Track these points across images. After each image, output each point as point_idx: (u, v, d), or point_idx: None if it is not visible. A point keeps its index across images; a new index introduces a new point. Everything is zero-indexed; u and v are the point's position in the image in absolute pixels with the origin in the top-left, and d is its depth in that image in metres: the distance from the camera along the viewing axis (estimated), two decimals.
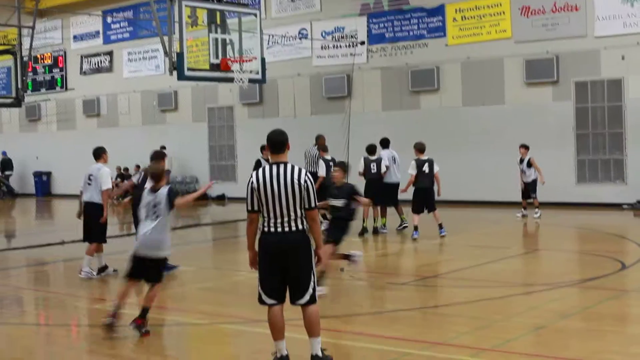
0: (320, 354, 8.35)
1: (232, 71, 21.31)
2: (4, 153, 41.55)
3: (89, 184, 15.22)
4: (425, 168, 19.79)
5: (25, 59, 25.67)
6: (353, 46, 30.77)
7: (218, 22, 21.88)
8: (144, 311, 10.26)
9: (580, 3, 26.00)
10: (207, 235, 23.46)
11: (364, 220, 20.47)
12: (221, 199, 34.76)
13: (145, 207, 10.54)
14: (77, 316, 12.20)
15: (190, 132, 35.80)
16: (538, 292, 12.36)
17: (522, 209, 23.50)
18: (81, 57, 40.29)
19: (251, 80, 22.03)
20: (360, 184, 21.10)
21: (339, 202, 12.73)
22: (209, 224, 26.17)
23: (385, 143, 21.72)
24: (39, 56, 41.15)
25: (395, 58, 30.06)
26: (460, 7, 28.55)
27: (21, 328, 11.39)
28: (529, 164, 23.23)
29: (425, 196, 19.60)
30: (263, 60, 22.59)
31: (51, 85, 41.46)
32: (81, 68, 40.32)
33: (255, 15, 22.59)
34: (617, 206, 24.53)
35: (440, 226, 19.47)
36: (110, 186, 15.15)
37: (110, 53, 39.06)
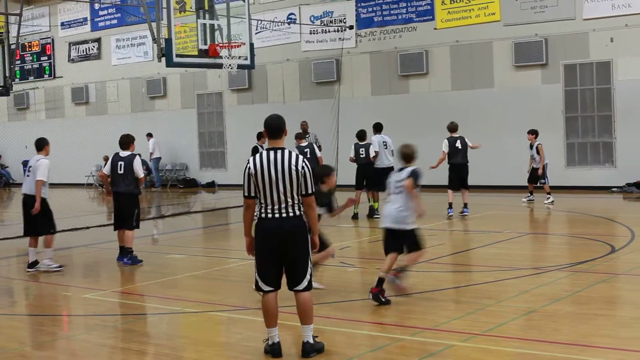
0: (312, 341, 8.35)
1: (221, 57, 21.31)
2: None
3: (28, 175, 14.93)
4: (458, 144, 20.81)
5: (13, 47, 25.64)
6: (342, 31, 30.74)
7: (206, 7, 21.86)
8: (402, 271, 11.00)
9: None
10: (198, 223, 23.46)
11: (355, 206, 20.54)
12: (211, 186, 34.71)
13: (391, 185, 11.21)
14: (68, 306, 12.18)
15: (180, 118, 35.71)
16: (528, 276, 12.38)
17: (529, 194, 23.44)
18: (69, 44, 40.17)
19: (240, 66, 22.03)
20: (352, 169, 21.26)
21: (321, 210, 11.67)
22: (199, 211, 26.15)
23: (378, 128, 21.68)
24: (26, 44, 41.04)
25: (384, 42, 30.02)
26: None
27: (12, 318, 11.38)
28: (538, 150, 23.06)
29: (460, 171, 20.80)
30: (252, 45, 22.57)
31: (39, 73, 41.34)
32: (69, 56, 40.20)
33: (244, 0, 22.53)
34: (606, 189, 24.60)
35: (465, 205, 20.48)
36: (44, 178, 14.52)
37: (98, 40, 38.94)
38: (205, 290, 12.58)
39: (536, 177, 23.21)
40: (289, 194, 8.24)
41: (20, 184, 17.19)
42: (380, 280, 10.62)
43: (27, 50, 41.48)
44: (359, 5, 30.63)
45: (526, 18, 26.96)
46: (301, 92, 31.81)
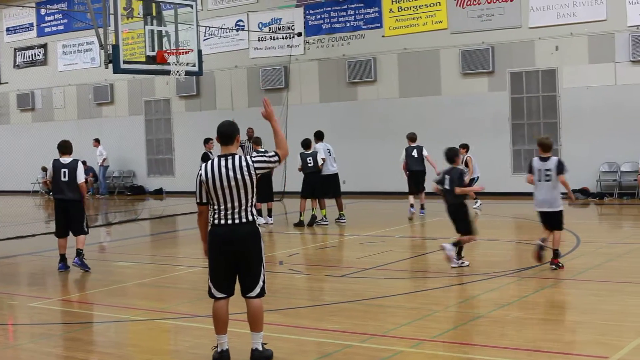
0: (261, 348, 8.33)
1: (169, 63, 21.21)
2: None
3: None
4: (414, 153, 21.85)
5: None
6: (290, 38, 30.76)
7: (154, 13, 21.76)
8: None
9: None
10: (145, 230, 23.29)
11: (301, 214, 20.59)
12: (159, 193, 34.51)
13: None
14: (13, 314, 12.02)
15: (127, 125, 35.43)
16: (476, 282, 12.47)
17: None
18: (14, 50, 39.68)
19: (188, 73, 21.95)
20: (299, 178, 21.25)
21: None
22: (146, 218, 25.97)
23: (319, 135, 21.70)
24: None
25: (332, 49, 30.10)
26: None
27: None
28: (466, 164, 22.99)
29: (417, 177, 21.90)
30: (200, 52, 22.52)
31: None
32: (15, 61, 39.70)
33: (192, 6, 22.50)
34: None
35: (422, 207, 21.71)
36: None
37: (44, 46, 38.54)
38: (153, 298, 12.50)
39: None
40: (242, 198, 8.21)
41: None
42: (555, 253, 13.18)
43: None
44: (307, 12, 30.68)
45: (473, 26, 27.21)
46: (249, 99, 31.77)
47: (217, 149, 8.66)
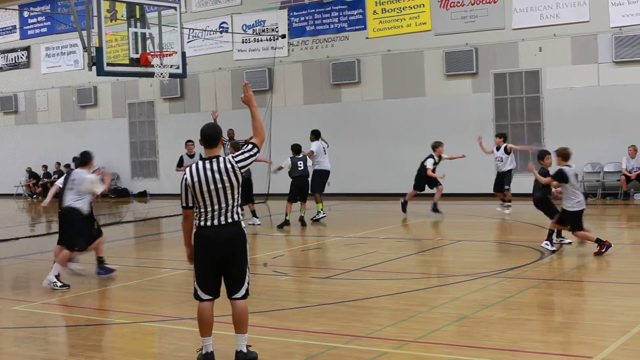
0: (245, 350, 8.33)
1: (153, 66, 21.16)
2: None
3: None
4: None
5: None
6: (274, 40, 30.76)
7: (137, 16, 21.70)
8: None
9: None
10: (130, 233, 23.22)
11: (286, 214, 20.63)
12: (143, 195, 34.45)
13: None
14: None
15: (111, 128, 35.35)
16: (460, 283, 12.49)
17: (502, 201, 22.64)
18: None
19: (172, 75, 21.90)
20: (282, 180, 21.29)
21: None
22: (130, 221, 25.91)
23: (317, 134, 22.27)
24: None
25: (316, 51, 30.12)
26: (381, 0, 28.73)
27: None
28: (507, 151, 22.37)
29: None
30: (184, 54, 22.48)
31: None
32: None
33: (175, 9, 22.46)
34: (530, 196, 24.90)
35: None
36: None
37: (27, 48, 38.42)
38: (138, 300, 12.47)
39: (501, 184, 22.46)
40: (229, 199, 8.21)
41: None
42: (602, 243, 14.20)
43: None
44: (291, 14, 30.69)
45: (457, 28, 27.28)
46: (234, 101, 31.74)
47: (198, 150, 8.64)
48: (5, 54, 39.26)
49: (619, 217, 22.00)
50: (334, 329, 9.83)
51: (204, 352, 8.33)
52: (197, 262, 8.36)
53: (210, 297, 8.34)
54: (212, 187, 8.17)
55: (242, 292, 8.32)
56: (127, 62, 21.54)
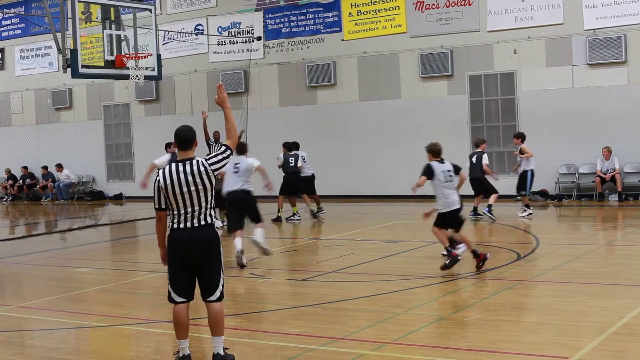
0: (222, 352, 8.31)
1: (128, 68, 21.11)
2: None
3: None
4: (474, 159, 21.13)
5: None
6: (249, 42, 30.73)
7: (112, 18, 21.65)
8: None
9: None
10: (105, 236, 23.13)
11: (279, 210, 21.83)
12: (119, 198, 34.32)
13: None
14: None
15: (86, 130, 35.18)
16: (437, 285, 12.53)
17: (525, 207, 21.76)
18: None
19: (147, 77, 21.86)
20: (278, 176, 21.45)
21: None
22: (106, 224, 25.81)
23: (294, 146, 22.97)
24: None
25: (292, 53, 30.12)
26: (356, 2, 28.78)
27: None
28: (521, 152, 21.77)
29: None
30: (159, 56, 22.44)
31: None
32: None
33: (150, 11, 22.43)
34: (511, 197, 25.00)
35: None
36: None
37: (1, 50, 38.16)
38: (114, 303, 12.43)
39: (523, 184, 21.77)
40: (202, 202, 8.20)
41: None
42: (478, 256, 13.35)
43: None
44: (267, 16, 30.67)
45: (432, 30, 27.36)
46: (209, 103, 31.64)
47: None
48: None
49: (594, 218, 22.13)
50: (311, 331, 9.83)
51: (180, 354, 8.31)
52: (171, 265, 8.34)
53: (184, 300, 8.31)
54: (184, 189, 8.15)
55: (217, 294, 8.31)
56: (102, 64, 21.47)
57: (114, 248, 20.63)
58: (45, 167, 35.94)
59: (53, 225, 26.74)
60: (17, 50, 37.44)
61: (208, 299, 8.31)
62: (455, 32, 26.98)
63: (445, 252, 13.51)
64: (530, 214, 21.32)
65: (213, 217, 8.33)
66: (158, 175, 8.27)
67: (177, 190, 8.16)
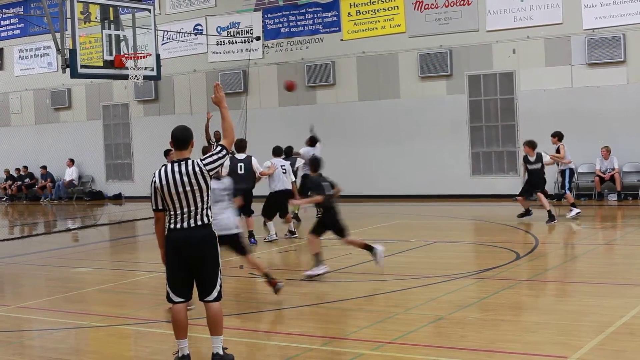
0: (222, 352, 8.31)
1: (127, 68, 21.12)
2: None
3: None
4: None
5: None
6: (249, 42, 30.72)
7: (111, 18, 21.66)
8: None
9: None
10: (105, 236, 23.12)
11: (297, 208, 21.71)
12: (118, 198, 34.32)
13: None
14: None
15: (85, 130, 35.17)
16: (436, 284, 12.52)
17: (571, 207, 20.90)
18: None
19: (146, 77, 21.86)
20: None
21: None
22: (105, 224, 25.80)
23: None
24: None
25: (291, 53, 30.12)
26: (355, 2, 28.78)
27: None
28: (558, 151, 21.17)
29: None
30: (158, 56, 22.45)
31: None
32: None
33: (149, 11, 22.44)
34: (510, 197, 25.00)
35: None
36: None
37: (0, 51, 38.12)
38: (113, 303, 12.42)
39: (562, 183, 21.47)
40: (198, 202, 8.20)
41: None
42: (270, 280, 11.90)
43: None
44: (266, 16, 30.67)
45: (431, 30, 27.36)
46: (208, 103, 31.63)
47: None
48: None
49: (593, 218, 22.12)
50: (311, 331, 9.83)
51: (180, 355, 8.31)
52: (169, 265, 8.33)
53: (182, 300, 8.31)
54: (180, 189, 8.15)
55: (214, 294, 8.30)
56: (101, 64, 21.48)
57: (113, 248, 20.62)
58: (44, 167, 35.93)
59: (52, 225, 26.74)
60: (16, 50, 37.43)
61: (206, 299, 8.31)
62: (454, 32, 26.97)
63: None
64: (578, 212, 20.54)
65: (210, 218, 8.33)
66: (154, 176, 8.28)
67: (173, 191, 8.16)
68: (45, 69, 36.13)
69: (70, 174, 35.22)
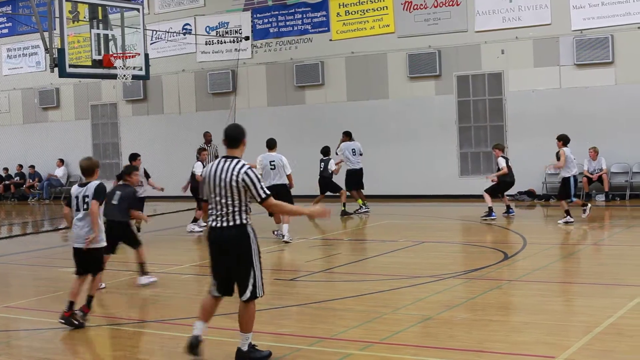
0: (245, 348, 8.43)
1: (115, 67, 21.07)
2: None
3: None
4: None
5: None
6: (237, 41, 30.69)
7: (100, 17, 21.62)
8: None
9: None
10: None
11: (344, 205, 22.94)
12: None
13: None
14: None
15: (73, 130, 35.06)
16: (424, 284, 12.53)
17: (584, 206, 20.44)
18: None
19: (135, 77, 21.82)
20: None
21: None
22: None
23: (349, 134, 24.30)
24: None
25: (280, 53, 30.10)
26: (344, 2, 28.79)
27: None
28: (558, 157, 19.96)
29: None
30: (147, 56, 22.40)
31: None
32: None
33: (138, 10, 22.39)
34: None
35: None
36: None
37: None
38: (103, 303, 12.38)
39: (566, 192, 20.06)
40: (230, 202, 8.26)
41: None
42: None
43: None
44: (255, 16, 30.65)
45: (420, 30, 27.38)
46: (197, 103, 31.63)
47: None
48: None
49: (581, 218, 22.16)
50: (299, 331, 9.83)
51: (193, 333, 8.42)
52: (210, 261, 8.55)
53: (220, 295, 8.52)
54: (218, 185, 8.32)
55: (247, 294, 8.39)
56: (89, 63, 21.43)
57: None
58: (32, 167, 35.82)
59: (39, 225, 26.65)
60: (4, 50, 37.30)
61: (240, 298, 8.45)
62: (443, 33, 27.01)
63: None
64: (570, 222, 19.58)
65: (244, 219, 8.34)
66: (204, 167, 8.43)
67: (212, 185, 8.35)
68: (33, 68, 36.03)
69: (60, 174, 35.14)
